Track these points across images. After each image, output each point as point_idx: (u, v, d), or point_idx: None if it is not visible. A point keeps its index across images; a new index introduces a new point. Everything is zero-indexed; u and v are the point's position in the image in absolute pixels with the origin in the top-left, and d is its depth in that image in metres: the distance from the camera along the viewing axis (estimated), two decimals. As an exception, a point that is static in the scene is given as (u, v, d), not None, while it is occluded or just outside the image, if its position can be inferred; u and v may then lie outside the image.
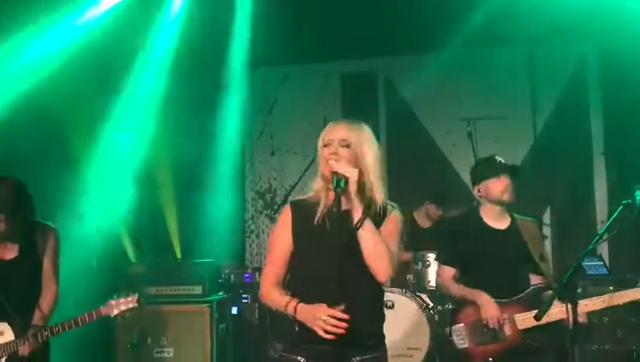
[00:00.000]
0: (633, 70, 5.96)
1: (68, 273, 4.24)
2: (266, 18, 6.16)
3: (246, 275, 6.63)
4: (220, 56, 6.81)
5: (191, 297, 5.76)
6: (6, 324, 3.70)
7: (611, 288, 4.94)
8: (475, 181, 3.89)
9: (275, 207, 7.41)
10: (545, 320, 3.34)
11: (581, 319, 3.28)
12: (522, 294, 3.71)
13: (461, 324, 3.78)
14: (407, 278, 5.94)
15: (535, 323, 3.38)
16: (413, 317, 5.53)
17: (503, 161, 3.85)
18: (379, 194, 2.70)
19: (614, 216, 3.17)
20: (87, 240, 5.84)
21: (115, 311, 3.75)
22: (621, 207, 3.18)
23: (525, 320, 3.62)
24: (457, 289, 3.84)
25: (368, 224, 2.58)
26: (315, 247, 2.69)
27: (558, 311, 3.37)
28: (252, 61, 6.85)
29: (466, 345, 3.74)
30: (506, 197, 3.81)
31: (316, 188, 2.75)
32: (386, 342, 2.81)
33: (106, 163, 6.25)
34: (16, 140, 5.25)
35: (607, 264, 6.11)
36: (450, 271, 3.90)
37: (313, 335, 2.55)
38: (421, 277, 5.88)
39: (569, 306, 3.00)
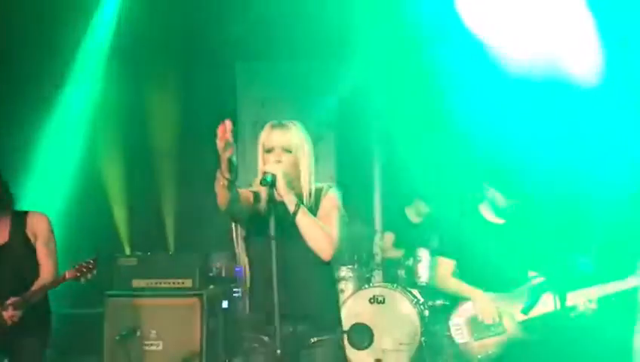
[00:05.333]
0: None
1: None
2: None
3: (237, 269, 6.59)
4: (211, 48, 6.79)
5: (181, 290, 5.73)
6: None
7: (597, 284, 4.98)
8: (489, 184, 3.91)
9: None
10: (540, 311, 3.37)
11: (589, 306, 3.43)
12: (520, 288, 3.72)
13: (460, 319, 3.80)
14: (398, 274, 5.96)
15: (533, 315, 3.40)
16: (404, 313, 5.54)
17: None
18: (311, 183, 2.97)
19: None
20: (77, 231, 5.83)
21: (78, 274, 3.93)
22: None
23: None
24: (454, 284, 3.87)
25: (302, 211, 2.85)
26: (258, 239, 2.92)
27: (547, 303, 3.38)
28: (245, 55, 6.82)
29: (465, 340, 3.77)
30: (501, 205, 3.85)
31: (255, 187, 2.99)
32: (342, 324, 3.04)
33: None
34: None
35: (594, 259, 6.12)
36: (448, 264, 3.93)
37: (270, 317, 2.74)
38: (412, 272, 5.89)
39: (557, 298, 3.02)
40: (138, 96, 6.66)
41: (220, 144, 2.61)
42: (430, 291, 5.84)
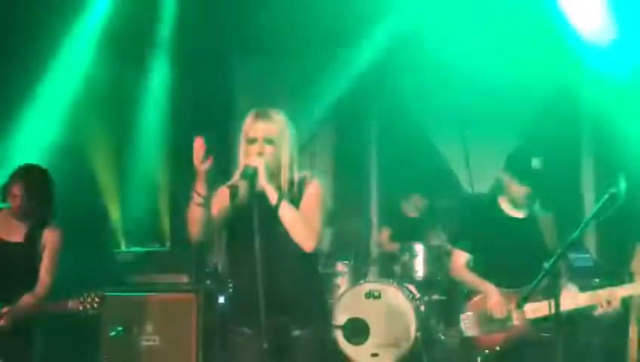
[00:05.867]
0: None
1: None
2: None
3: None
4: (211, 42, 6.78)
5: (177, 286, 5.73)
6: None
7: (597, 280, 4.97)
8: (505, 168, 3.89)
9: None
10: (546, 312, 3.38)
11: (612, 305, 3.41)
12: (533, 283, 3.70)
13: (470, 312, 3.81)
14: (395, 269, 5.96)
15: (544, 313, 3.40)
16: (399, 308, 5.54)
17: (536, 168, 3.79)
18: (292, 172, 2.94)
19: (600, 203, 3.18)
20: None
21: (81, 308, 3.82)
22: (607, 195, 3.18)
23: (535, 310, 3.62)
24: (468, 277, 3.86)
25: (284, 203, 2.85)
26: (240, 232, 2.90)
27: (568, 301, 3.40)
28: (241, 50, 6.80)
29: (473, 333, 3.77)
30: (520, 202, 3.83)
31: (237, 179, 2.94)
32: (330, 317, 3.13)
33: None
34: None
35: (594, 256, 6.13)
36: (463, 257, 3.92)
37: (251, 308, 2.73)
38: (408, 267, 5.90)
39: (558, 299, 3.02)
40: (129, 82, 6.60)
41: (196, 159, 2.73)
42: (426, 286, 5.87)
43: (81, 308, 3.80)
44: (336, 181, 7.16)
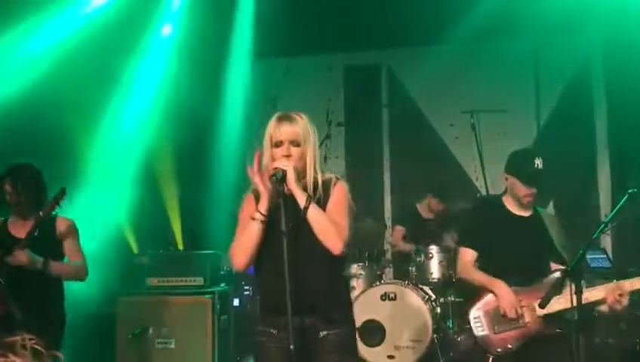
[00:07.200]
0: (638, 64, 5.94)
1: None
2: (268, 9, 6.13)
3: (248, 267, 6.62)
4: (224, 48, 6.78)
5: (193, 288, 5.74)
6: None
7: (614, 281, 4.93)
8: (507, 170, 3.85)
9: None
10: (558, 307, 3.34)
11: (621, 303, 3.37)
12: (543, 281, 3.68)
13: (480, 311, 3.77)
14: (410, 270, 5.94)
15: (555, 309, 3.37)
16: (415, 309, 5.52)
17: (539, 168, 3.75)
18: (317, 173, 2.96)
19: (620, 204, 3.15)
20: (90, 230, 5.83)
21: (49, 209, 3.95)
22: (627, 196, 3.15)
23: (548, 306, 3.53)
24: (477, 276, 3.82)
25: (312, 206, 2.87)
26: (269, 233, 2.92)
27: (565, 300, 3.34)
28: (255, 52, 6.81)
29: (485, 332, 3.73)
30: (525, 202, 3.80)
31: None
32: (354, 318, 3.06)
33: (108, 155, 6.24)
34: (15, 133, 5.25)
35: (610, 257, 6.10)
36: (471, 255, 3.88)
37: (278, 309, 2.79)
38: (423, 269, 5.87)
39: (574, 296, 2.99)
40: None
41: (260, 185, 2.86)
42: (441, 287, 5.84)
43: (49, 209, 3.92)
44: (349, 182, 7.15)
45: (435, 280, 5.83)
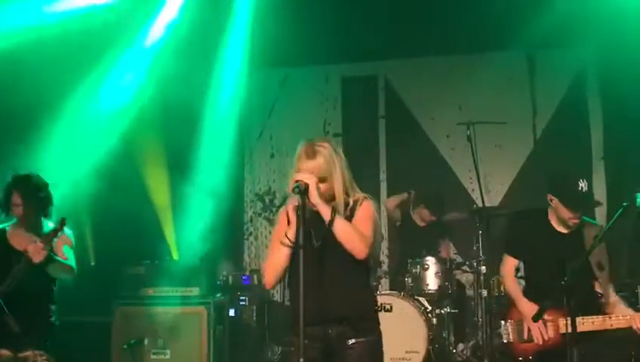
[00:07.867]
0: (633, 76, 5.98)
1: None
2: (266, 19, 6.15)
3: (244, 277, 6.62)
4: (220, 57, 6.79)
5: (188, 299, 5.74)
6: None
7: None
8: (552, 191, 3.86)
9: (274, 209, 7.40)
10: (582, 329, 3.45)
11: None
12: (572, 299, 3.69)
13: (510, 320, 3.92)
14: (406, 281, 5.93)
15: (579, 329, 3.40)
16: (411, 320, 5.52)
17: (584, 191, 3.79)
18: (350, 198, 3.05)
19: (615, 217, 3.17)
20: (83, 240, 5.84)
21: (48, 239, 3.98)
22: (621, 209, 3.17)
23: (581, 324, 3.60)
24: (511, 288, 4.00)
25: (337, 217, 2.96)
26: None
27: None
28: (252, 62, 6.82)
29: (509, 340, 3.90)
30: (571, 224, 3.84)
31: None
32: (380, 328, 3.09)
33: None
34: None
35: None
36: (512, 262, 4.05)
37: (306, 320, 2.81)
38: (419, 280, 5.87)
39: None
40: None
41: (292, 212, 2.96)
42: (437, 299, 5.84)
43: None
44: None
45: (431, 291, 5.83)
